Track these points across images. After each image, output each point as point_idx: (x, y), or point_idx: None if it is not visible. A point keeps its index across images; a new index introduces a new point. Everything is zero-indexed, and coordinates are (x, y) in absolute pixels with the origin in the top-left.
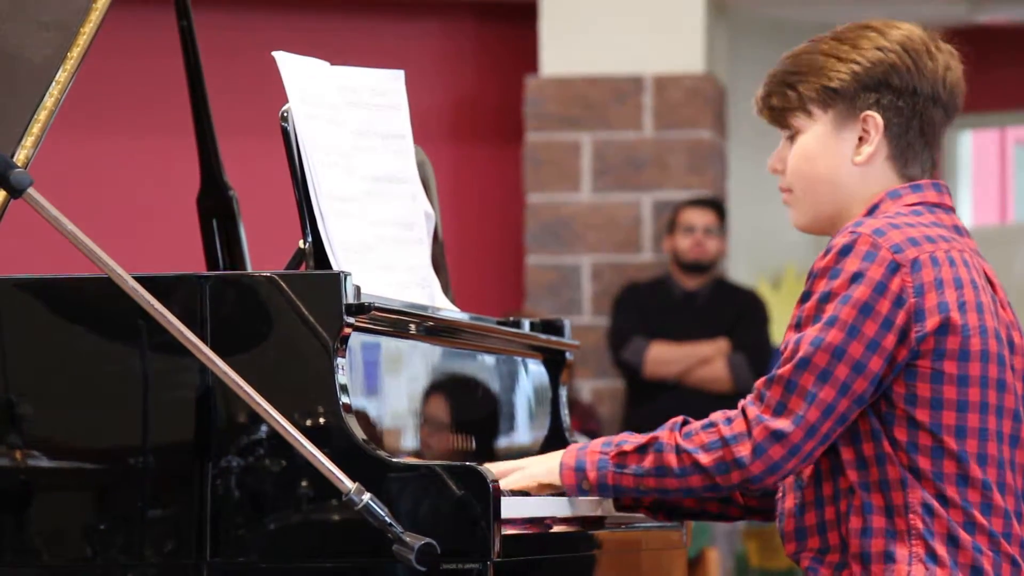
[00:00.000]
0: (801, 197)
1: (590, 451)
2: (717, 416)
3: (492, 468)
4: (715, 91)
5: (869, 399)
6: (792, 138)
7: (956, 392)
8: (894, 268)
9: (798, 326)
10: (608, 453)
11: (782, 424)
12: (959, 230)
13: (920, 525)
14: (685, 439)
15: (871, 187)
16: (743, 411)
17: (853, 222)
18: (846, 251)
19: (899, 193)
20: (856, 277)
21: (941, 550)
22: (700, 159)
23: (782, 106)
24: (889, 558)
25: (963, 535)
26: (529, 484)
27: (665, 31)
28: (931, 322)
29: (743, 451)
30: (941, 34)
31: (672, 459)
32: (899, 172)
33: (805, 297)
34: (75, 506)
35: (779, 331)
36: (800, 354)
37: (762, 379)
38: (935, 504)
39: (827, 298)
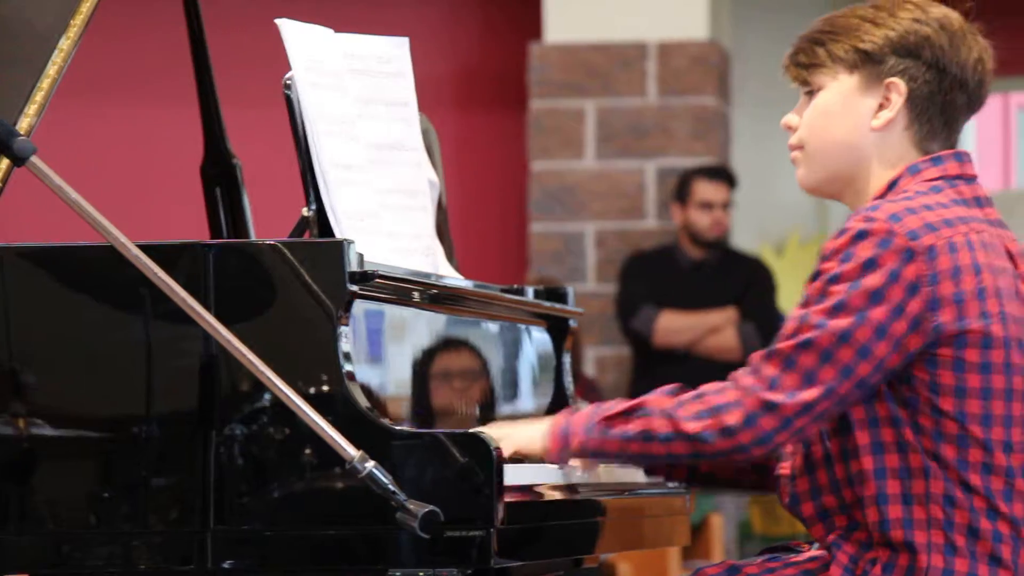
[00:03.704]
0: (812, 155)
1: (577, 416)
2: (708, 387)
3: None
4: (719, 58)
5: (875, 385)
6: (811, 95)
7: (980, 380)
8: (909, 256)
9: (803, 304)
10: (594, 417)
11: (776, 397)
12: (980, 201)
13: (940, 515)
14: (674, 406)
15: (886, 156)
16: (735, 381)
17: (869, 205)
18: (861, 236)
19: (919, 168)
20: (869, 264)
21: (961, 541)
22: (704, 126)
23: (808, 62)
24: (910, 548)
25: (984, 524)
26: (512, 453)
27: None
28: (947, 312)
29: (732, 420)
30: (980, 27)
31: (658, 424)
32: (915, 144)
33: (814, 276)
34: (79, 474)
35: (784, 298)
36: (804, 335)
37: (758, 352)
38: (957, 495)
39: (835, 280)
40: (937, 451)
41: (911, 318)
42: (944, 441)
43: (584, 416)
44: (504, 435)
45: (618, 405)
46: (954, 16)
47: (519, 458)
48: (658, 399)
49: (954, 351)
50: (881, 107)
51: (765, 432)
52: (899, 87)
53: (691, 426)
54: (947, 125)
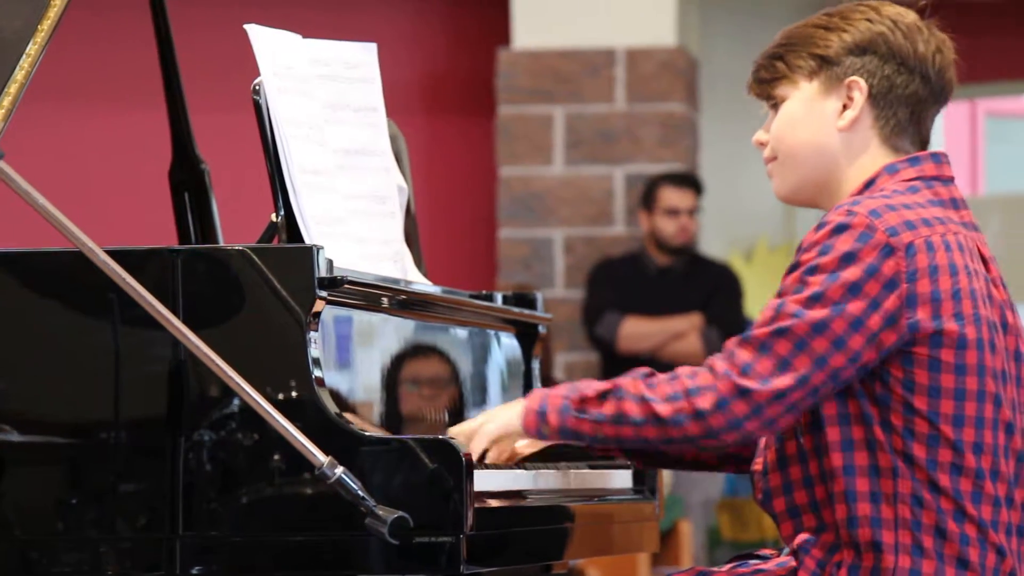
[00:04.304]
0: (784, 163)
1: (553, 395)
2: (682, 369)
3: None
4: (687, 64)
5: (849, 379)
6: (777, 108)
7: (954, 381)
8: (888, 252)
9: (779, 294)
10: (570, 398)
11: (749, 383)
12: (956, 203)
13: (908, 515)
14: (648, 388)
15: (856, 156)
16: (710, 367)
17: (850, 200)
18: (840, 229)
19: (896, 168)
20: (848, 257)
21: (928, 542)
22: (672, 132)
23: (770, 77)
24: (876, 547)
25: (951, 526)
26: (488, 444)
27: (637, 4)
28: (923, 309)
29: (704, 403)
30: (936, 22)
31: (632, 407)
32: (884, 141)
33: (792, 268)
34: (47, 481)
35: (752, 304)
36: (779, 322)
37: (733, 338)
38: (925, 495)
39: (812, 271)
40: (907, 450)
41: (887, 314)
42: (914, 440)
43: (560, 396)
44: (476, 427)
45: (593, 386)
46: (908, 12)
47: (488, 464)
48: (632, 381)
49: (929, 350)
50: (845, 107)
51: (736, 417)
52: (859, 85)
53: (663, 409)
54: (913, 119)
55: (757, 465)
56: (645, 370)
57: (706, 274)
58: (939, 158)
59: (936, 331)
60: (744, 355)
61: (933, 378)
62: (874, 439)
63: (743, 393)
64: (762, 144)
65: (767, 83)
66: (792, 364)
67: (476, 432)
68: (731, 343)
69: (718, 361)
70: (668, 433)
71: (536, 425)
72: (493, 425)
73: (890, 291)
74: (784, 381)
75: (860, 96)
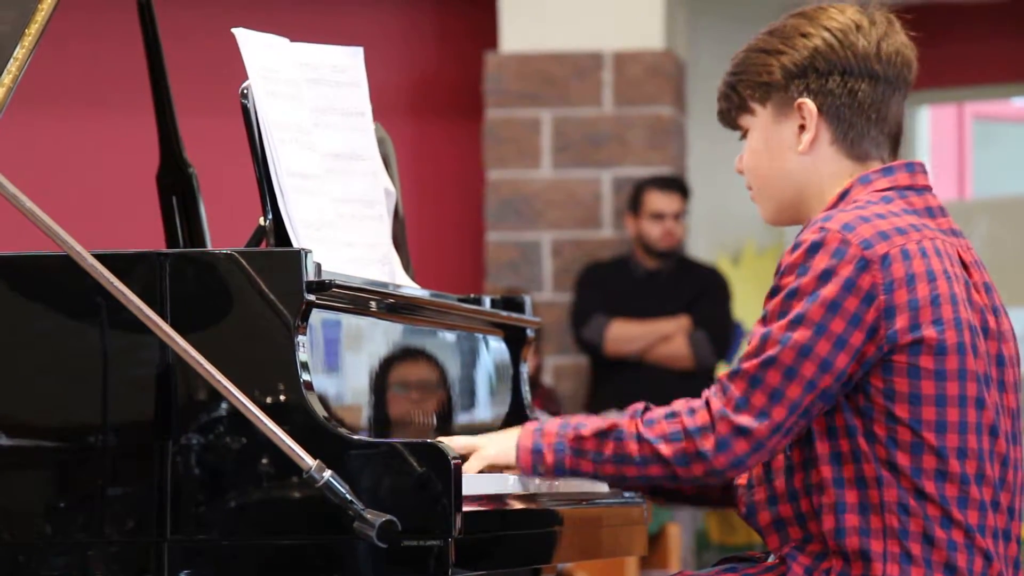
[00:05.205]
0: (760, 192)
1: (546, 432)
2: (680, 405)
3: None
4: (675, 67)
5: (836, 395)
6: (744, 138)
7: (934, 387)
8: (864, 265)
9: (764, 320)
10: (565, 436)
11: (746, 420)
12: (932, 211)
13: (896, 524)
14: (646, 427)
15: (823, 173)
16: (707, 403)
17: (822, 215)
18: (815, 248)
19: (870, 179)
20: (825, 275)
21: (916, 549)
22: (660, 135)
23: (728, 108)
24: (865, 556)
25: (938, 533)
26: (484, 468)
27: (625, 7)
28: (901, 319)
29: (706, 444)
30: (890, 8)
31: (632, 447)
32: (847, 154)
33: (773, 292)
34: (35, 484)
35: (740, 307)
36: (767, 352)
37: (725, 372)
38: (911, 503)
39: (794, 295)
40: (891, 459)
41: (867, 327)
42: (898, 449)
43: (554, 434)
44: (475, 447)
45: (589, 424)
46: (845, 11)
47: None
48: (630, 420)
49: (908, 358)
50: (801, 129)
51: (738, 456)
52: (808, 107)
53: (665, 449)
54: (873, 121)
55: (741, 480)
56: (640, 406)
57: (693, 277)
58: (913, 167)
59: (915, 340)
60: (736, 390)
61: (913, 385)
62: (859, 450)
63: (742, 432)
64: (742, 173)
65: (728, 114)
66: (784, 394)
67: (473, 451)
68: (723, 377)
69: (714, 398)
70: (673, 471)
71: (532, 463)
72: (492, 451)
73: (868, 304)
74: (779, 413)
75: (811, 117)
